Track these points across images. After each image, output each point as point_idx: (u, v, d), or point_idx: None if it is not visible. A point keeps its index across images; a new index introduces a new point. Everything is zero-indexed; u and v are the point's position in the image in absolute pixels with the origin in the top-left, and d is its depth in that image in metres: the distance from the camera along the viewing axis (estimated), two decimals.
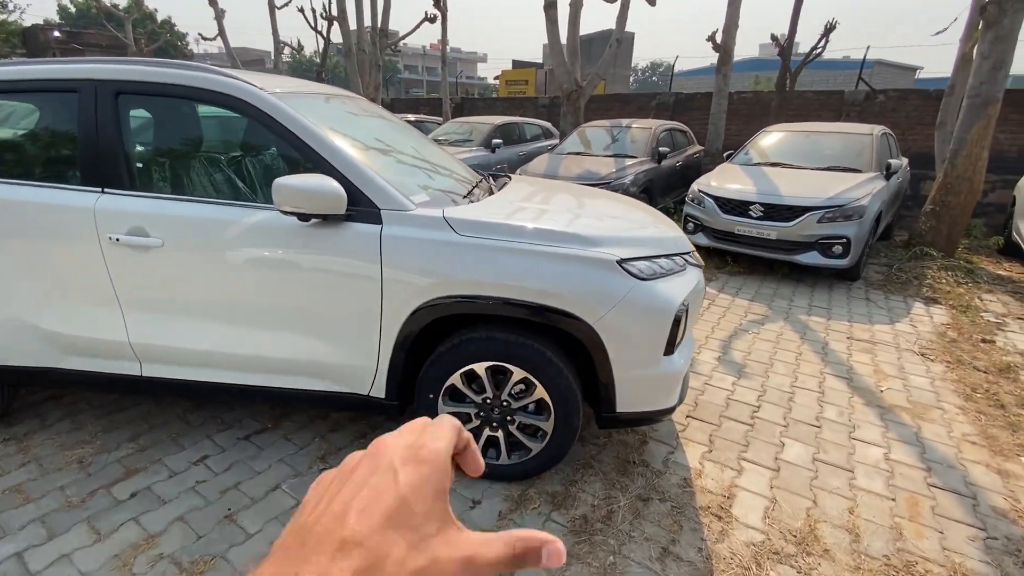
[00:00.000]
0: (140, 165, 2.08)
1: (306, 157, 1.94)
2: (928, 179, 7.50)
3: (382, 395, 2.08)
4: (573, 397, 1.98)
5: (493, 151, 7.80)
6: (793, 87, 8.80)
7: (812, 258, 4.80)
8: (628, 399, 2.01)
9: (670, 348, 1.97)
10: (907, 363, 3.42)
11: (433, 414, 2.10)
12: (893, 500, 2.18)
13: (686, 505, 2.10)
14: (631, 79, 39.77)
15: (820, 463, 2.39)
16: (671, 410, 2.12)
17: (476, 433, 2.14)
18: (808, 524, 2.02)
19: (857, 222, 4.66)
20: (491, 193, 2.47)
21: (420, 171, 2.45)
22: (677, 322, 1.94)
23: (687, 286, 2.06)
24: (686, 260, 2.18)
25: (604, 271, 1.88)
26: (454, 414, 2.14)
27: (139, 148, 2.15)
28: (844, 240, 4.67)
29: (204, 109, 2.36)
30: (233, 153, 2.29)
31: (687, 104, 10.11)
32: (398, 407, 2.11)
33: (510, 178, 2.88)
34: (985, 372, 3.30)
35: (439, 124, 10.85)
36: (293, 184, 1.76)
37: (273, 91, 2.00)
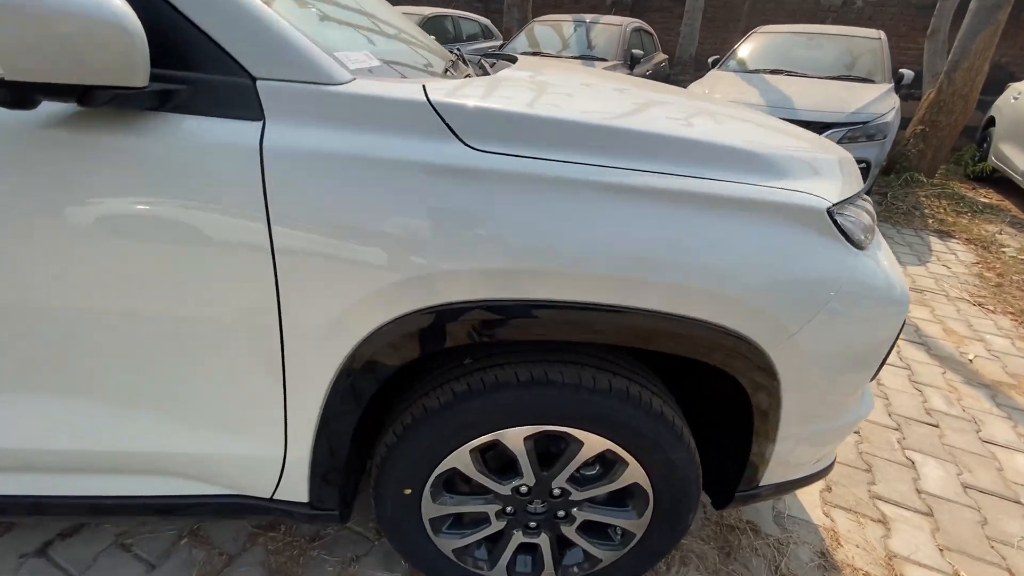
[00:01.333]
0: None
1: None
2: (905, 97, 7.00)
3: (302, 498, 0.99)
4: (694, 479, 1.01)
5: None
6: None
7: None
8: (783, 465, 1.07)
9: (878, 370, 1.04)
10: (971, 318, 2.83)
11: (414, 522, 1.05)
12: None
13: None
14: None
15: (975, 492, 1.67)
16: (828, 470, 1.23)
17: (497, 537, 1.13)
18: None
19: (880, 143, 3.93)
20: (485, 73, 1.29)
21: (351, 24, 1.20)
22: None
23: (889, 250, 1.10)
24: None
25: (809, 233, 0.85)
26: (458, 516, 1.11)
27: None
28: (864, 164, 3.93)
29: None
30: None
31: (647, 3, 8.80)
32: (339, 515, 1.03)
33: (511, 59, 1.66)
34: None
35: None
36: None
37: None
